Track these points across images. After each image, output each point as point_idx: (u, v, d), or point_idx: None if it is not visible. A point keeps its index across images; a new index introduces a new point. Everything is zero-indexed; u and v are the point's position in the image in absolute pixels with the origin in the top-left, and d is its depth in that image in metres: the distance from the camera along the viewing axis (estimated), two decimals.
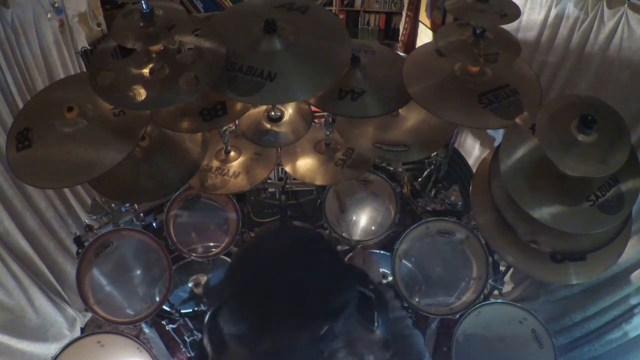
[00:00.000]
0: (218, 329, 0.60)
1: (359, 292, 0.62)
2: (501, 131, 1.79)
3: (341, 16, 4.01)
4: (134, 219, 1.78)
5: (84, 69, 2.33)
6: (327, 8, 3.79)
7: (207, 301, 0.64)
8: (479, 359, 1.67)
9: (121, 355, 1.52)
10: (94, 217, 1.66)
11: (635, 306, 1.71)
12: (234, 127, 1.86)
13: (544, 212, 1.16)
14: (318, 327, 0.55)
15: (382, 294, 0.96)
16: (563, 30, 1.84)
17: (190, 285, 1.96)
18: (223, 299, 0.61)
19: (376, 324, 0.63)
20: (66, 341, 1.58)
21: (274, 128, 1.63)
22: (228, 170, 1.72)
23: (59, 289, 2.31)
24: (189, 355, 2.11)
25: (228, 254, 1.98)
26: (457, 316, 1.59)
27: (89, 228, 1.64)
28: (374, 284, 0.91)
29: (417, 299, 1.64)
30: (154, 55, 1.21)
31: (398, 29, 3.92)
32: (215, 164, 1.73)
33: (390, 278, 1.65)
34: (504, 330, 1.64)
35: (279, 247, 0.66)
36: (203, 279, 1.98)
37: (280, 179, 1.97)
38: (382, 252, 2.02)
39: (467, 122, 1.40)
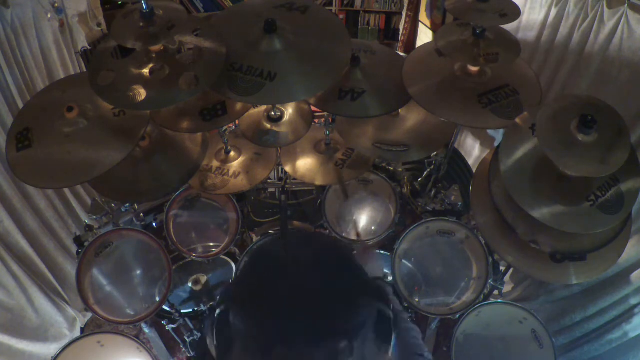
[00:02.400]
0: (229, 327, 0.58)
1: (378, 310, 0.59)
2: (501, 131, 1.79)
3: (341, 16, 4.01)
4: (134, 219, 1.78)
5: (84, 69, 2.33)
6: (327, 8, 3.79)
7: (221, 298, 0.61)
8: (479, 359, 1.67)
9: (121, 355, 1.52)
10: (94, 217, 1.66)
11: (635, 306, 1.71)
12: (234, 127, 1.86)
13: (544, 212, 1.16)
14: (337, 342, 0.53)
15: (398, 314, 0.90)
16: (563, 30, 1.84)
17: (190, 285, 1.96)
18: (240, 299, 0.59)
19: (391, 347, 0.61)
20: (66, 341, 1.58)
21: (274, 128, 1.64)
22: (228, 170, 1.72)
23: (59, 289, 2.31)
24: (189, 355, 2.10)
25: (228, 254, 1.98)
26: (457, 316, 1.59)
27: (89, 228, 1.64)
28: (395, 303, 0.88)
29: (417, 299, 1.64)
30: (154, 55, 1.21)
31: (398, 29, 3.92)
32: (215, 164, 1.73)
33: (390, 278, 1.65)
34: (504, 330, 1.64)
35: (302, 254, 0.64)
36: (203, 279, 1.98)
37: (280, 179, 1.97)
38: (382, 252, 2.02)
39: (467, 122, 1.40)
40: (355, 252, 1.50)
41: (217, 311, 0.60)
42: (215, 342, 0.60)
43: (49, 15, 2.00)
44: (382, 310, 0.60)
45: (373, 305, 0.59)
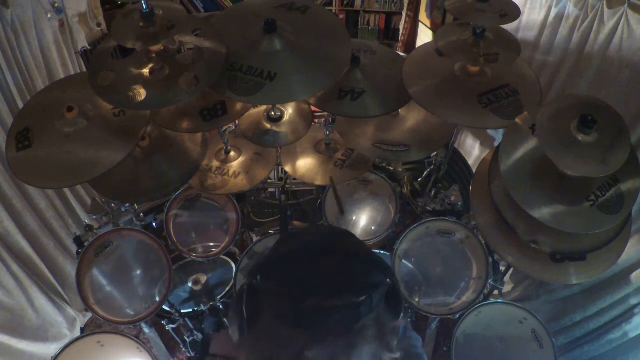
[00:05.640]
0: (257, 296, 0.63)
1: (390, 281, 0.65)
2: (501, 131, 1.79)
3: (341, 16, 4.01)
4: (134, 219, 1.77)
5: (84, 69, 2.33)
6: (327, 8, 3.79)
7: (250, 272, 0.68)
8: (479, 359, 1.67)
9: (121, 355, 1.52)
10: (94, 217, 1.66)
11: (635, 306, 1.71)
12: (234, 127, 1.86)
13: (544, 212, 1.16)
14: (358, 294, 0.58)
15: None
16: (563, 30, 1.84)
17: (190, 285, 1.96)
18: (268, 266, 0.67)
19: (402, 315, 0.66)
20: (66, 341, 1.58)
21: (274, 128, 1.64)
22: (228, 170, 1.72)
23: (59, 289, 2.31)
24: (189, 355, 2.11)
25: (228, 254, 1.98)
26: (457, 316, 1.59)
27: (89, 228, 1.64)
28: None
29: (417, 299, 1.64)
30: (154, 55, 1.21)
31: (398, 29, 3.92)
32: (215, 164, 1.73)
33: None
34: (504, 330, 1.64)
35: (319, 232, 0.76)
36: (203, 278, 1.98)
37: (280, 179, 1.97)
38: (382, 252, 2.02)
39: (467, 122, 1.40)
40: None
41: (246, 285, 0.65)
42: (245, 315, 0.64)
43: (49, 15, 2.01)
44: (394, 283, 0.65)
45: (386, 274, 0.65)
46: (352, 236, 0.73)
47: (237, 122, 1.63)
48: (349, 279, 0.61)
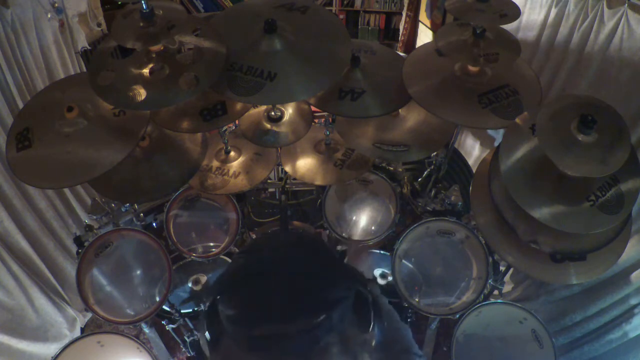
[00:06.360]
0: (218, 318, 0.61)
1: (356, 292, 0.62)
2: (501, 131, 1.79)
3: (341, 16, 4.02)
4: (134, 219, 1.78)
5: (84, 69, 2.33)
6: (327, 8, 3.79)
7: (207, 293, 0.66)
8: (479, 359, 1.67)
9: (121, 355, 1.52)
10: (94, 217, 1.66)
11: (635, 306, 1.72)
12: (234, 127, 1.86)
13: (544, 212, 1.16)
14: (314, 315, 0.56)
15: (377, 298, 1.00)
16: (563, 30, 1.84)
17: (190, 285, 1.96)
18: (224, 288, 0.65)
19: (372, 326, 0.64)
20: (66, 341, 1.58)
21: (274, 128, 1.64)
22: (228, 170, 1.72)
23: (59, 289, 2.32)
24: (189, 355, 2.11)
25: (228, 254, 1.98)
26: (457, 316, 1.59)
27: (89, 228, 1.64)
28: (372, 288, 0.95)
29: (417, 299, 1.64)
30: (154, 55, 1.21)
31: (398, 29, 3.92)
32: (215, 164, 1.73)
33: (390, 278, 1.65)
34: (504, 330, 1.64)
35: (280, 244, 0.71)
36: (203, 279, 1.98)
37: (280, 179, 1.97)
38: (382, 252, 2.02)
39: (467, 122, 1.40)
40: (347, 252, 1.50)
41: (207, 305, 0.64)
42: (207, 336, 0.63)
43: (49, 15, 2.01)
44: (360, 291, 0.63)
45: (350, 285, 0.62)
46: (321, 245, 0.70)
47: (237, 122, 1.63)
48: (307, 300, 0.58)
